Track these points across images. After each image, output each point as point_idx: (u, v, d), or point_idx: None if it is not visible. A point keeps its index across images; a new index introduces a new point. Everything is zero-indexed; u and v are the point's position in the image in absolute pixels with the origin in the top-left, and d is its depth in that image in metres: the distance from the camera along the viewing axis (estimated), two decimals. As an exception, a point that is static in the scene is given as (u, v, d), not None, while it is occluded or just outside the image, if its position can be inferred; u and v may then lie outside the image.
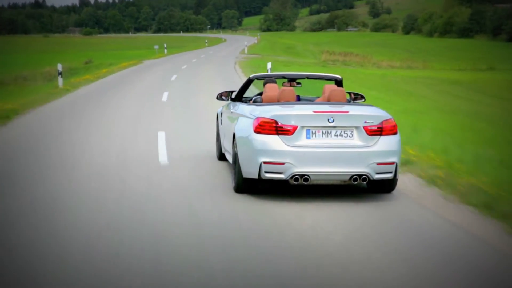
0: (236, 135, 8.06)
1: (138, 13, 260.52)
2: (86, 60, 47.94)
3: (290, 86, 9.27)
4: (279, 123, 7.51)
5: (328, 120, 7.48)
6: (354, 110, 7.74)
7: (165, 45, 64.79)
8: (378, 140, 7.56)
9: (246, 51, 63.60)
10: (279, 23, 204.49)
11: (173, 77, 29.98)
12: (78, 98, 21.01)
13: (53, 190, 8.09)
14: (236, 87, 14.81)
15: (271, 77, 9.66)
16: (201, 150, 11.02)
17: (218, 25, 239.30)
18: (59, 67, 24.82)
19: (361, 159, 7.45)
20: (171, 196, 7.84)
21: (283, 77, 9.47)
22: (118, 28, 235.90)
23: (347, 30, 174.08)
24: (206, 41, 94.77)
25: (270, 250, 5.83)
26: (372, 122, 7.57)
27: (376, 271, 5.31)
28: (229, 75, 30.96)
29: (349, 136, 7.53)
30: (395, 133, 7.71)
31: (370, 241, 6.14)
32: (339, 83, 9.36)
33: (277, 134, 7.51)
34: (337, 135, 7.53)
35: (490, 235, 6.35)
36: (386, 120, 7.69)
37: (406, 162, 9.58)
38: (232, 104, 9.43)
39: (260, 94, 9.73)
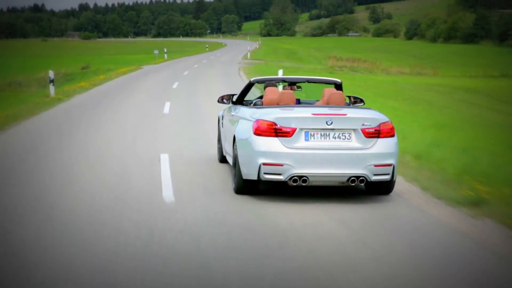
0: (237, 137, 8.13)
1: (137, 18, 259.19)
2: (83, 65, 46.43)
3: (291, 89, 9.34)
4: (278, 125, 7.60)
5: (327, 122, 7.56)
6: (352, 112, 7.85)
7: (165, 50, 62.90)
8: (375, 142, 7.64)
9: (249, 56, 61.83)
10: (279, 28, 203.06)
11: (175, 85, 28.04)
12: (70, 110, 18.75)
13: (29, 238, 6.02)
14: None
15: (272, 80, 9.65)
16: (215, 182, 8.95)
17: (218, 30, 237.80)
18: (51, 74, 22.77)
19: (358, 161, 7.52)
20: (178, 249, 5.77)
21: (284, 80, 9.58)
22: (117, 32, 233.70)
23: (348, 35, 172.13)
24: (207, 46, 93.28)
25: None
26: (370, 125, 7.65)
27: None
28: (234, 83, 28.79)
29: (347, 138, 7.60)
30: (392, 136, 7.78)
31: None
32: (338, 86, 9.47)
33: (276, 136, 7.58)
34: (335, 137, 7.60)
35: None
36: (384, 123, 7.76)
37: (478, 202, 7.55)
38: (233, 107, 9.49)
39: (261, 97, 9.65)
